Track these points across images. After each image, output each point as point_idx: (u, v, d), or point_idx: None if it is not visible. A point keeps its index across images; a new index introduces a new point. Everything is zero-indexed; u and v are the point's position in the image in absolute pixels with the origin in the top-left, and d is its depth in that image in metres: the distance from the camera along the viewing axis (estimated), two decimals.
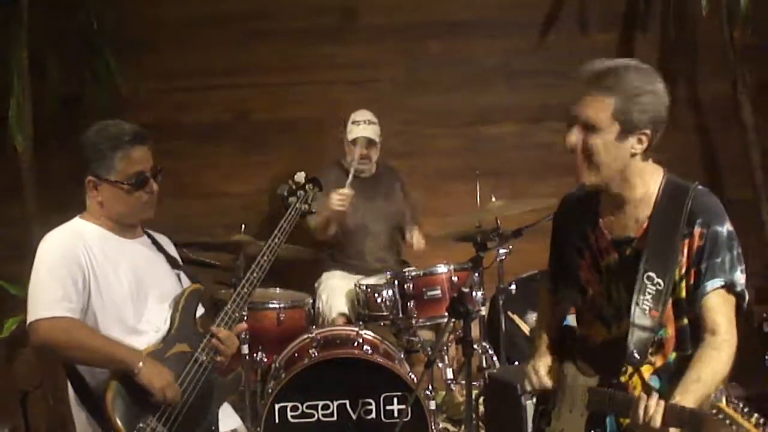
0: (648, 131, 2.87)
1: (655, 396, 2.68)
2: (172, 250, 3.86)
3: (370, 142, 6.05)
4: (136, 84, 6.44)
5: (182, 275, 3.79)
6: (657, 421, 2.66)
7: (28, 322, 3.36)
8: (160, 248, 3.79)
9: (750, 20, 6.36)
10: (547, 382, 3.13)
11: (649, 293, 2.87)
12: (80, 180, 3.59)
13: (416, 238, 6.14)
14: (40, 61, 6.13)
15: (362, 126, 6.03)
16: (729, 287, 2.85)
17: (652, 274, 2.88)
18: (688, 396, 2.71)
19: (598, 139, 2.86)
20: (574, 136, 2.90)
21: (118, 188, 3.53)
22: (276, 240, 3.82)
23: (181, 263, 3.83)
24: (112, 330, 3.45)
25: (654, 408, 2.66)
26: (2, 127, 5.96)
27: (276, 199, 6.70)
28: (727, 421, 2.44)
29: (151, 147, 3.62)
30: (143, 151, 3.57)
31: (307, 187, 4.10)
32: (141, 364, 3.33)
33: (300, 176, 4.11)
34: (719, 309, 2.84)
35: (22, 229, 6.11)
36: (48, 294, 3.36)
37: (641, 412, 2.68)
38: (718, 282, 2.84)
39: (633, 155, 2.89)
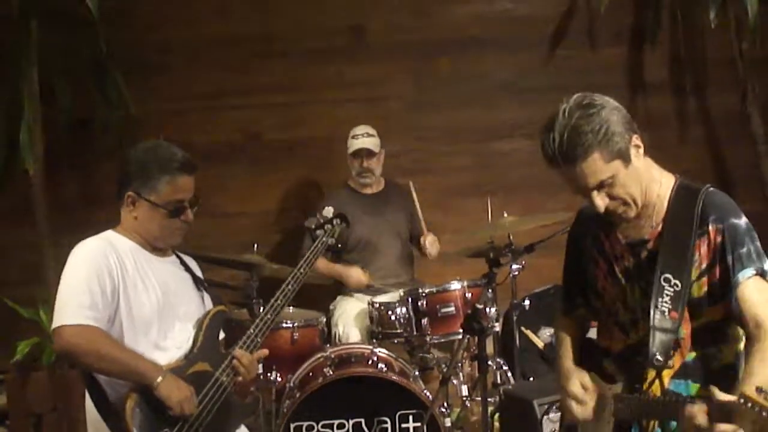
0: (633, 136, 2.87)
1: (695, 404, 2.61)
2: (199, 273, 3.87)
3: (369, 153, 6.09)
4: (146, 106, 6.46)
5: (206, 297, 3.81)
6: (704, 423, 2.58)
7: (53, 326, 3.35)
8: (188, 269, 3.80)
9: (759, 33, 6.36)
10: (590, 402, 3.07)
11: (668, 295, 2.86)
12: (119, 192, 3.59)
13: (430, 241, 6.10)
14: (51, 84, 6.15)
15: (360, 139, 6.10)
16: (762, 275, 2.84)
17: (668, 275, 2.87)
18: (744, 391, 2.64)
19: (617, 184, 2.86)
20: (601, 199, 2.88)
21: (155, 210, 3.53)
22: (301, 270, 3.88)
23: (206, 285, 3.84)
24: (135, 343, 3.45)
25: (699, 414, 2.58)
26: (14, 151, 5.97)
27: (287, 218, 6.83)
28: (756, 409, 2.41)
29: (195, 176, 3.62)
30: (188, 181, 3.57)
31: (334, 221, 4.19)
32: (160, 378, 3.33)
33: (328, 210, 4.22)
34: (757, 298, 2.81)
35: (34, 252, 6.13)
36: (75, 300, 3.35)
37: (687, 426, 2.62)
38: (749, 271, 2.83)
39: (639, 158, 2.90)
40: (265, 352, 3.75)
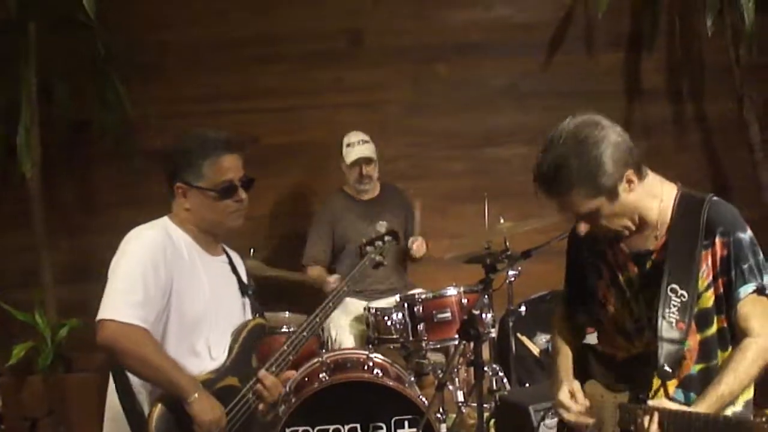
0: (627, 171, 2.85)
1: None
2: (244, 274, 3.75)
3: (368, 161, 6.07)
4: (144, 110, 6.46)
5: (247, 304, 3.71)
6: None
7: (99, 316, 3.21)
8: (235, 270, 3.70)
9: (755, 39, 6.37)
10: (575, 407, 3.07)
11: (674, 305, 2.88)
12: (169, 187, 3.51)
13: (417, 244, 6.02)
14: (49, 88, 6.15)
15: (357, 147, 6.05)
16: (761, 291, 2.89)
17: (675, 286, 2.89)
18: (705, 398, 2.79)
19: (598, 218, 2.89)
20: (583, 227, 2.93)
21: (205, 195, 3.45)
22: (345, 288, 3.85)
23: (249, 291, 3.73)
24: (177, 344, 3.36)
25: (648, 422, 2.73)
26: (11, 154, 5.97)
27: (285, 222, 6.82)
28: None
29: (243, 156, 3.56)
30: (233, 160, 3.51)
31: (385, 238, 4.19)
32: (196, 395, 3.25)
33: (381, 225, 4.20)
34: (752, 314, 2.88)
35: (30, 255, 6.13)
36: (129, 296, 3.23)
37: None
38: (750, 287, 2.88)
39: (631, 191, 2.89)
40: (293, 373, 3.70)
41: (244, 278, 3.74)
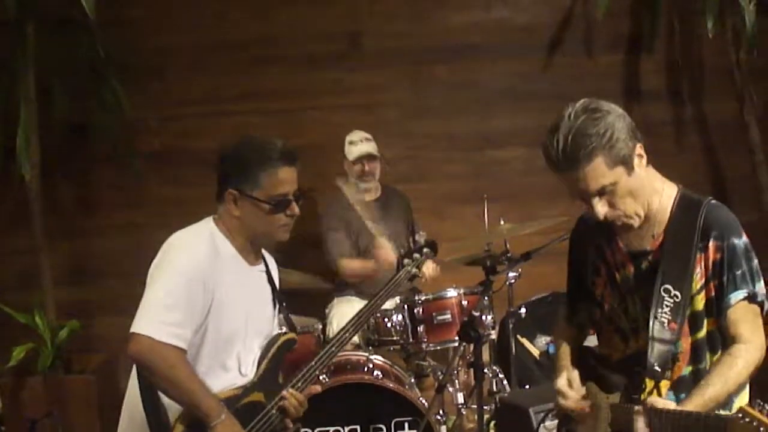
0: (638, 144, 2.87)
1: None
2: (277, 282, 3.69)
3: (371, 158, 6.08)
4: (142, 111, 6.45)
5: (276, 314, 3.65)
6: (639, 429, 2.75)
7: (134, 329, 3.15)
8: (270, 279, 3.64)
9: (756, 41, 6.35)
10: (573, 394, 3.08)
11: (667, 306, 2.89)
12: (218, 191, 3.45)
13: (429, 267, 6.03)
14: (47, 90, 6.13)
15: (360, 145, 6.07)
16: (752, 298, 2.89)
17: (668, 286, 2.89)
18: (691, 400, 2.79)
19: (619, 192, 2.86)
20: (602, 207, 2.88)
21: (258, 207, 3.37)
22: (379, 301, 3.80)
23: (282, 303, 3.67)
24: (206, 359, 3.33)
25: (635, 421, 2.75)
26: (10, 156, 5.96)
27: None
28: (754, 423, 2.40)
29: (299, 169, 3.47)
30: (291, 172, 3.41)
31: (424, 250, 4.13)
32: (222, 417, 3.20)
33: (421, 236, 4.13)
34: (742, 320, 2.88)
35: (29, 257, 6.12)
36: (169, 313, 3.17)
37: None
38: (741, 294, 2.87)
39: (643, 167, 2.90)
40: (318, 388, 3.66)
41: (278, 285, 3.67)
